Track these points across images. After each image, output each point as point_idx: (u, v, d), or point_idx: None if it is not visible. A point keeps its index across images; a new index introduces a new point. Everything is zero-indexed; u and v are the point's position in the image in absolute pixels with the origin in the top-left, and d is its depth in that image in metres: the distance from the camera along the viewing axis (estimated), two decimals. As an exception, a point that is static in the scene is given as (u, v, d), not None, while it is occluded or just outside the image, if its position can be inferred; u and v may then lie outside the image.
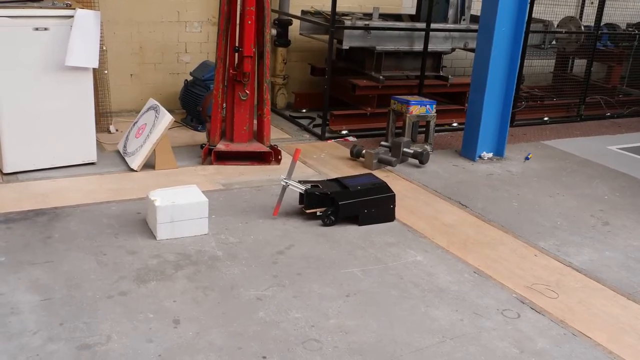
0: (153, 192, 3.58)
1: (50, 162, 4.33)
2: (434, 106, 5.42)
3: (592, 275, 3.50)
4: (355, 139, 5.62)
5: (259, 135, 4.86)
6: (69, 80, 4.25)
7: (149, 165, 4.46)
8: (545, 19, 6.88)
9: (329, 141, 5.55)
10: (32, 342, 2.56)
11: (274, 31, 6.10)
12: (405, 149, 5.03)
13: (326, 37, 5.64)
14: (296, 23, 6.16)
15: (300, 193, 3.87)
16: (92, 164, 4.48)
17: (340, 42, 5.70)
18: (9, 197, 3.88)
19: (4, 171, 4.19)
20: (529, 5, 5.39)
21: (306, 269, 3.31)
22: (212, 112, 4.74)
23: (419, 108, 5.33)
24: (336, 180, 4.07)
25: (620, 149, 6.03)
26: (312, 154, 5.15)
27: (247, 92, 4.68)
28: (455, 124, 6.26)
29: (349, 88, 5.94)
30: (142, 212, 3.71)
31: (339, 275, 3.27)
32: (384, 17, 6.35)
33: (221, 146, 4.72)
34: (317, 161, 4.98)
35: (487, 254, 3.63)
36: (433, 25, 5.92)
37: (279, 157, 4.80)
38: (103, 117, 5.15)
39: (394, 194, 3.97)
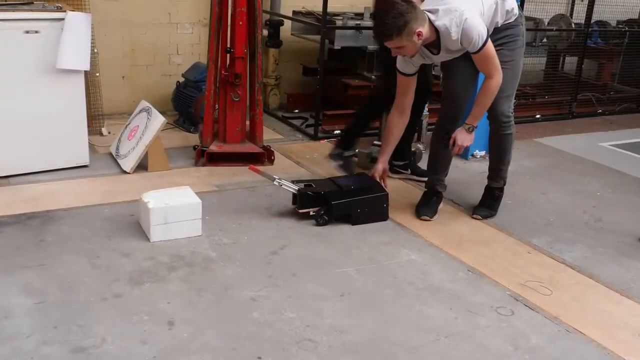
0: (146, 194, 3.57)
1: (42, 165, 4.31)
2: (426, 105, 5.42)
3: (586, 271, 3.51)
4: (348, 139, 5.62)
5: (252, 136, 4.86)
6: (60, 83, 4.24)
7: (141, 167, 4.46)
8: (535, 16, 6.90)
9: (321, 141, 5.55)
10: (26, 345, 2.55)
11: (265, 32, 6.10)
12: (398, 148, 5.02)
13: (318, 37, 5.64)
14: (288, 23, 6.16)
15: (293, 193, 3.88)
16: (85, 166, 4.47)
17: (332, 42, 5.71)
18: (1, 200, 3.87)
19: (-4, 175, 4.18)
20: (521, 2, 5.40)
21: (300, 269, 3.31)
22: (205, 113, 4.73)
23: (411, 107, 5.32)
24: (329, 179, 4.08)
25: (611, 145, 6.05)
26: (304, 154, 5.16)
27: (239, 93, 4.68)
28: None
29: (341, 88, 5.94)
30: (136, 214, 3.70)
31: (333, 274, 3.28)
32: (376, 16, 6.34)
33: (214, 147, 4.72)
34: (310, 161, 4.98)
35: (481, 252, 3.64)
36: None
37: (272, 157, 4.80)
38: (95, 120, 5.13)
39: (387, 193, 3.98)
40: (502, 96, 3.75)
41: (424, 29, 3.46)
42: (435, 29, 3.51)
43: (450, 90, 3.99)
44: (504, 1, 3.70)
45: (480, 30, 3.45)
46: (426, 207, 4.07)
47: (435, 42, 3.57)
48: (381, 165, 4.08)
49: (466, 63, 3.72)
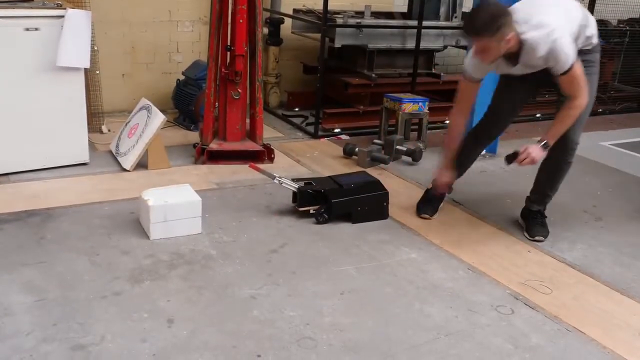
0: (146, 191, 3.57)
1: (42, 163, 4.31)
2: (427, 104, 5.43)
3: (586, 270, 3.51)
4: (348, 137, 5.63)
5: (252, 134, 4.85)
6: (60, 80, 4.23)
7: (141, 165, 4.46)
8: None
9: (322, 139, 5.55)
10: (26, 343, 2.55)
11: (265, 30, 6.09)
12: (398, 147, 5.03)
13: (318, 35, 5.64)
14: (288, 22, 6.16)
15: (293, 191, 3.87)
16: (85, 164, 4.46)
17: (332, 40, 5.70)
18: (1, 198, 3.87)
19: (-4, 172, 4.18)
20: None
21: (300, 267, 3.30)
22: (205, 111, 4.73)
23: (412, 106, 5.33)
24: (329, 178, 4.07)
25: (612, 144, 6.05)
26: (305, 152, 5.15)
27: (240, 91, 4.67)
28: (448, 122, 6.25)
29: (341, 86, 5.94)
30: (136, 212, 3.70)
31: (333, 273, 3.27)
32: (376, 15, 6.35)
33: (214, 145, 4.72)
34: (310, 159, 4.98)
35: (481, 251, 3.64)
36: (425, 23, 5.92)
37: (272, 155, 4.80)
38: (95, 118, 5.13)
39: (387, 192, 3.98)
40: (577, 122, 3.57)
41: (513, 37, 3.28)
42: (520, 41, 3.32)
43: (498, 105, 3.86)
44: (586, 27, 3.51)
45: (568, 51, 3.28)
46: (427, 206, 4.06)
47: (516, 53, 3.38)
48: (449, 178, 3.91)
49: (525, 85, 3.64)
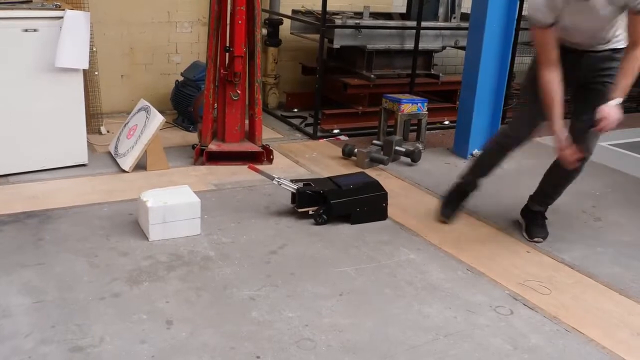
0: (145, 193, 3.56)
1: (41, 164, 4.31)
2: (426, 104, 5.43)
3: (585, 271, 3.51)
4: (347, 138, 5.63)
5: (251, 135, 4.85)
6: (59, 81, 4.23)
7: (140, 166, 4.45)
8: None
9: (320, 140, 5.55)
10: (25, 344, 2.55)
11: (264, 31, 6.09)
12: (397, 148, 5.03)
13: (317, 36, 5.64)
14: (287, 22, 6.16)
15: (292, 192, 3.87)
16: (84, 165, 4.46)
17: (331, 41, 5.71)
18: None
19: (-5, 173, 4.17)
20: (519, 2, 5.40)
21: (299, 268, 3.30)
22: (204, 112, 4.73)
23: (411, 106, 5.33)
24: (328, 179, 4.07)
25: (611, 145, 6.04)
26: (304, 153, 5.15)
27: (239, 92, 4.67)
28: (446, 122, 6.27)
29: (340, 87, 5.94)
30: (134, 213, 3.70)
31: (332, 274, 3.27)
32: (375, 15, 6.35)
33: (213, 146, 4.72)
34: (309, 160, 4.98)
35: (480, 251, 3.64)
36: (424, 24, 5.92)
37: (271, 156, 4.80)
38: (94, 119, 5.13)
39: (386, 193, 3.98)
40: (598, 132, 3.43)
41: None
42: None
43: (534, 114, 3.70)
44: (618, 22, 3.32)
45: None
46: (445, 208, 4.00)
47: None
48: (565, 137, 3.51)
49: (568, 78, 3.49)
